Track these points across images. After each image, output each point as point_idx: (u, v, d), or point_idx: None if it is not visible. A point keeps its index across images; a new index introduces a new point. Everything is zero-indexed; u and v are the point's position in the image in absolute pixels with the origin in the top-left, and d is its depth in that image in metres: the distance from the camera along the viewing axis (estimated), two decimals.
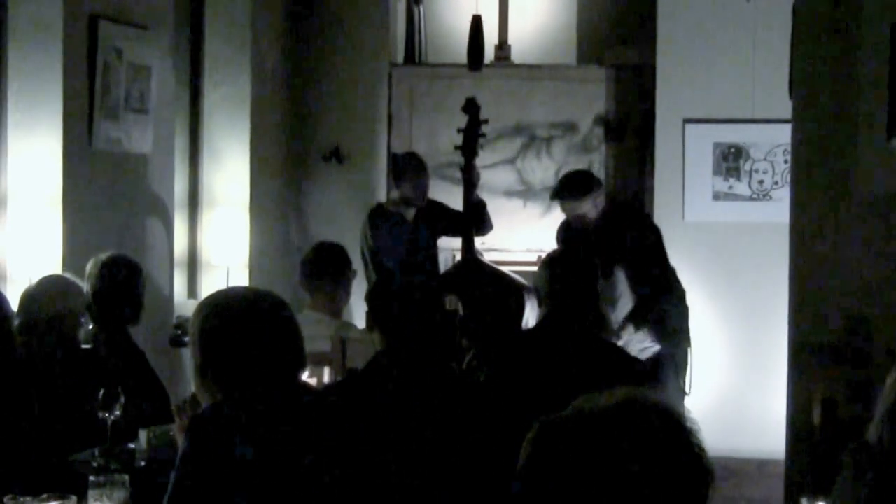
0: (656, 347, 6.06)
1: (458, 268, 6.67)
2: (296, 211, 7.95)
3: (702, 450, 1.62)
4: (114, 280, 4.73)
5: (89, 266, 4.80)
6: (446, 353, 3.59)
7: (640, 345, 6.03)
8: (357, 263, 5.81)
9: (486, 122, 6.76)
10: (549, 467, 1.61)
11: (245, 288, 3.09)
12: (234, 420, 2.70)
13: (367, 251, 6.75)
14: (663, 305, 6.12)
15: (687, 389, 6.20)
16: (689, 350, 6.24)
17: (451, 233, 6.87)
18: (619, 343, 5.83)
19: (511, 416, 3.26)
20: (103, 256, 4.82)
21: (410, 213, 6.75)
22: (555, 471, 1.61)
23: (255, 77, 7.25)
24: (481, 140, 6.74)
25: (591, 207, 6.14)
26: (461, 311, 5.95)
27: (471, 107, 6.73)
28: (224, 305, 2.83)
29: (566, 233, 6.30)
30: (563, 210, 6.23)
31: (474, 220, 6.79)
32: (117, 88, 5.79)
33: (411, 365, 3.34)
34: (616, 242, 6.04)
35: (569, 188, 6.28)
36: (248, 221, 7.15)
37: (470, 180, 6.66)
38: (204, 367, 2.80)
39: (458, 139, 6.66)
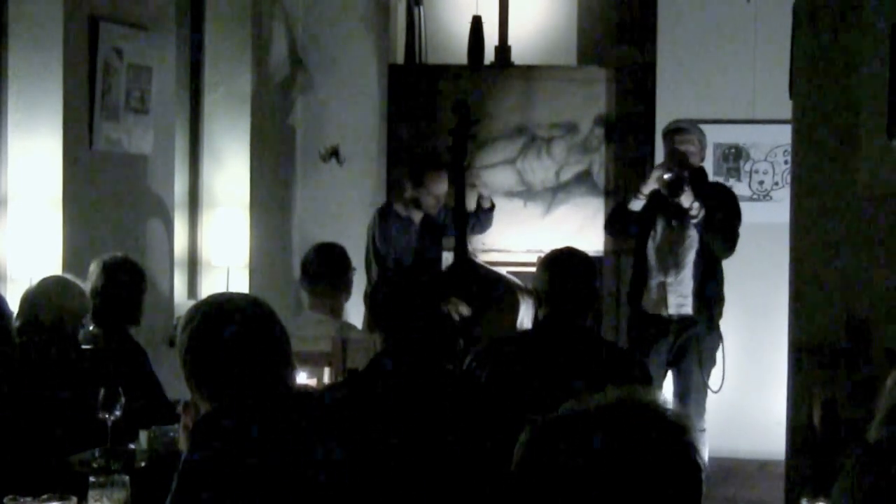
0: (689, 306, 6.24)
1: (451, 269, 6.67)
2: (296, 211, 7.95)
3: (695, 449, 1.62)
4: (116, 281, 4.74)
5: (92, 266, 4.80)
6: (445, 354, 3.59)
7: (681, 289, 6.26)
8: (357, 263, 5.81)
9: (476, 122, 6.78)
10: (542, 468, 1.61)
11: (222, 296, 3.06)
12: (236, 423, 2.70)
13: (372, 249, 6.73)
14: (726, 245, 6.34)
15: (714, 386, 6.22)
16: (721, 344, 6.30)
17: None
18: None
19: (511, 417, 3.26)
20: (107, 257, 4.83)
21: (418, 216, 6.74)
22: (548, 471, 1.61)
23: (255, 77, 7.25)
24: (471, 141, 6.78)
25: (698, 150, 6.31)
26: (465, 314, 5.95)
27: (460, 108, 6.76)
28: (202, 320, 2.81)
29: (667, 170, 6.36)
30: (676, 143, 6.28)
31: (474, 222, 6.83)
32: (117, 89, 5.79)
33: (412, 366, 3.34)
34: (714, 191, 6.32)
35: (689, 121, 6.51)
36: (248, 221, 7.15)
37: (461, 181, 6.67)
38: (191, 380, 2.80)
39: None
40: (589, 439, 1.60)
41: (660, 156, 7.17)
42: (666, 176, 6.14)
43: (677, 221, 6.25)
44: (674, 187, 6.12)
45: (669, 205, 6.21)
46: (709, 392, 6.24)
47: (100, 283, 4.72)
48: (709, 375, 6.24)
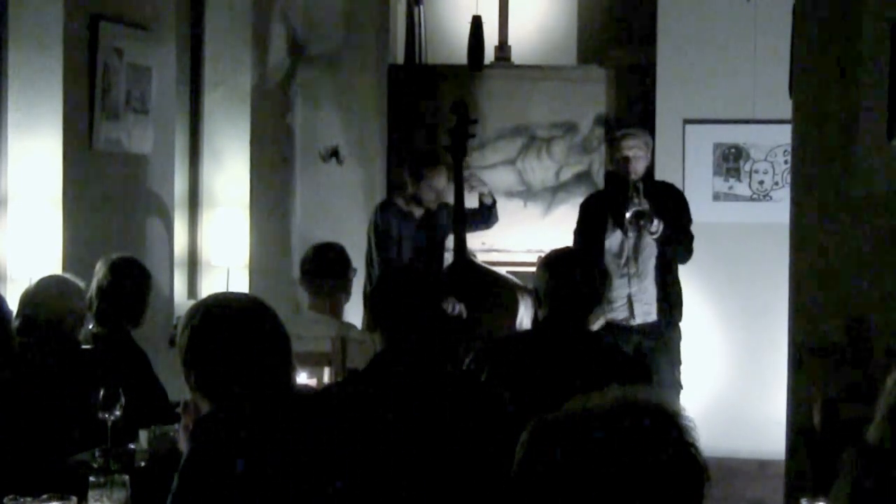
0: (654, 314, 6.24)
1: (450, 269, 6.68)
2: (296, 211, 7.95)
3: (696, 448, 1.62)
4: (122, 281, 4.72)
5: (98, 265, 4.79)
6: (446, 354, 3.59)
7: (646, 295, 6.25)
8: (357, 263, 5.81)
9: (475, 122, 6.81)
10: (542, 468, 1.61)
11: (223, 296, 3.07)
12: (237, 423, 2.70)
13: (375, 240, 6.74)
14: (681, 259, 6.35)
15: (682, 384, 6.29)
16: (680, 344, 6.30)
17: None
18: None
19: (511, 417, 3.26)
20: (114, 256, 4.81)
21: (418, 212, 6.77)
22: (548, 471, 1.61)
23: (255, 77, 7.25)
24: (470, 140, 6.81)
25: (646, 153, 6.33)
26: (464, 314, 5.97)
27: (459, 108, 6.80)
28: (203, 319, 2.81)
29: (614, 178, 6.40)
30: (625, 150, 6.25)
31: (478, 221, 6.87)
32: (117, 89, 5.79)
33: (412, 365, 3.34)
34: (665, 195, 6.31)
35: (635, 126, 6.56)
36: (248, 221, 7.15)
37: (460, 181, 6.70)
38: (191, 380, 2.80)
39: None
40: (589, 439, 1.60)
41: (659, 155, 7.19)
42: (628, 214, 6.12)
43: (633, 231, 6.23)
44: (639, 218, 6.11)
45: (621, 214, 6.19)
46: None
47: (105, 282, 4.71)
48: (680, 374, 6.27)
